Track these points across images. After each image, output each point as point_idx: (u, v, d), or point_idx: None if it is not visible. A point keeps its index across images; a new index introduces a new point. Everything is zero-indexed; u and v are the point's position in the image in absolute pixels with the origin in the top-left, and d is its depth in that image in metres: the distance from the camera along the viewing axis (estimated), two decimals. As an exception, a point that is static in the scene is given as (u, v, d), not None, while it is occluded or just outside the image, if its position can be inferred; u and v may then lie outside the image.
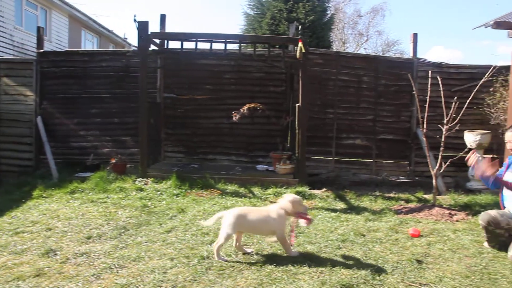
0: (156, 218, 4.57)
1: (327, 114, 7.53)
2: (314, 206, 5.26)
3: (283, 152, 7.17)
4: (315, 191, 5.97)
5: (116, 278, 3.01)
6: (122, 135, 7.73)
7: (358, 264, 3.28)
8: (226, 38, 6.68)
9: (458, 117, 5.33)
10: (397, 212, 5.03)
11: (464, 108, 5.45)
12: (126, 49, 13.57)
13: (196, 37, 6.61)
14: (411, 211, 5.07)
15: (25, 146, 7.76)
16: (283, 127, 7.50)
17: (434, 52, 40.95)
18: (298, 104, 6.41)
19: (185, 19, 47.99)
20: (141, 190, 5.76)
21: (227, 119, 7.19)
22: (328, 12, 13.10)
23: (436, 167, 5.32)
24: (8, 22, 10.39)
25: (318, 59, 7.44)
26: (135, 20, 6.34)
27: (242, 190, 5.88)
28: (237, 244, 3.48)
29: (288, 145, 7.52)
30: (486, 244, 3.79)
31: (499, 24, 5.42)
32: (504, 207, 3.74)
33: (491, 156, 7.06)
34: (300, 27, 7.73)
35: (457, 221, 4.68)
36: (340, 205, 5.43)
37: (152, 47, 7.07)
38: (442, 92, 5.41)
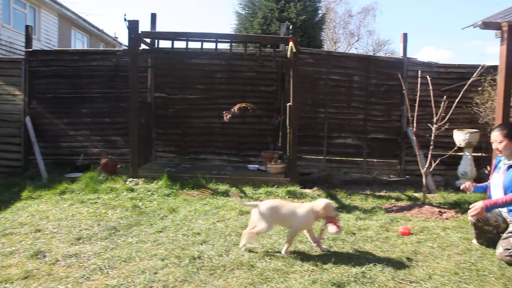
0: (147, 218, 4.54)
1: (318, 114, 7.56)
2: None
3: (274, 152, 7.18)
4: (306, 190, 5.99)
5: (107, 279, 2.99)
6: (112, 135, 7.68)
7: (349, 262, 3.29)
8: (217, 37, 6.66)
9: (448, 116, 5.39)
10: (388, 210, 5.07)
11: (453, 107, 5.51)
12: (116, 49, 13.48)
13: (187, 36, 6.58)
14: (401, 209, 5.11)
15: (13, 146, 7.67)
16: (274, 126, 7.51)
17: (425, 52, 41.45)
18: (289, 104, 6.42)
19: (176, 19, 47.86)
20: (132, 190, 5.73)
21: (218, 118, 7.18)
22: (320, 11, 13.13)
23: (426, 166, 5.37)
24: (-5, 20, 10.27)
25: (309, 59, 7.47)
26: (125, 19, 6.28)
27: (233, 189, 5.87)
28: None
29: (280, 144, 7.53)
30: (474, 241, 3.85)
31: (487, 25, 5.47)
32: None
33: (479, 154, 7.18)
34: (291, 27, 7.74)
35: (446, 219, 4.73)
36: (331, 204, 5.44)
37: (143, 46, 7.03)
38: (431, 92, 5.46)
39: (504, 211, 3.69)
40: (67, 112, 7.70)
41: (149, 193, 5.62)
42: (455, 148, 6.25)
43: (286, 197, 5.63)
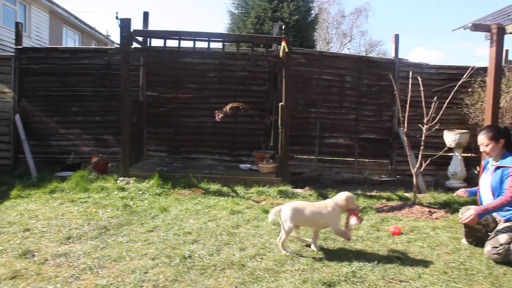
0: (138, 217, 4.51)
1: (310, 114, 7.57)
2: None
3: (266, 151, 7.18)
4: (298, 190, 6.01)
5: (96, 278, 2.97)
6: (103, 133, 7.62)
7: (340, 262, 3.31)
8: (209, 36, 6.64)
9: (438, 117, 5.44)
10: (379, 210, 5.10)
11: (443, 108, 5.57)
12: (108, 47, 13.37)
13: (179, 35, 6.55)
14: (392, 209, 5.14)
15: (2, 144, 7.58)
16: (266, 126, 7.51)
17: (416, 53, 41.76)
18: (281, 103, 6.43)
19: (169, 18, 47.62)
20: (123, 189, 5.69)
21: (210, 118, 7.15)
22: (312, 12, 13.20)
23: (417, 166, 5.41)
24: (-16, 17, 10.13)
25: (302, 59, 7.48)
26: (117, 17, 6.24)
27: (225, 189, 5.87)
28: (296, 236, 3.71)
29: (271, 144, 7.54)
30: (464, 240, 3.89)
31: (476, 27, 5.53)
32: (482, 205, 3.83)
33: (469, 155, 7.26)
34: (284, 27, 7.73)
35: (436, 218, 4.77)
36: (323, 203, 5.46)
37: (135, 44, 7.00)
38: (422, 92, 5.50)
39: (493, 210, 3.73)
40: (58, 110, 7.63)
41: (140, 192, 5.59)
42: (445, 148, 6.33)
43: (278, 196, 5.64)
